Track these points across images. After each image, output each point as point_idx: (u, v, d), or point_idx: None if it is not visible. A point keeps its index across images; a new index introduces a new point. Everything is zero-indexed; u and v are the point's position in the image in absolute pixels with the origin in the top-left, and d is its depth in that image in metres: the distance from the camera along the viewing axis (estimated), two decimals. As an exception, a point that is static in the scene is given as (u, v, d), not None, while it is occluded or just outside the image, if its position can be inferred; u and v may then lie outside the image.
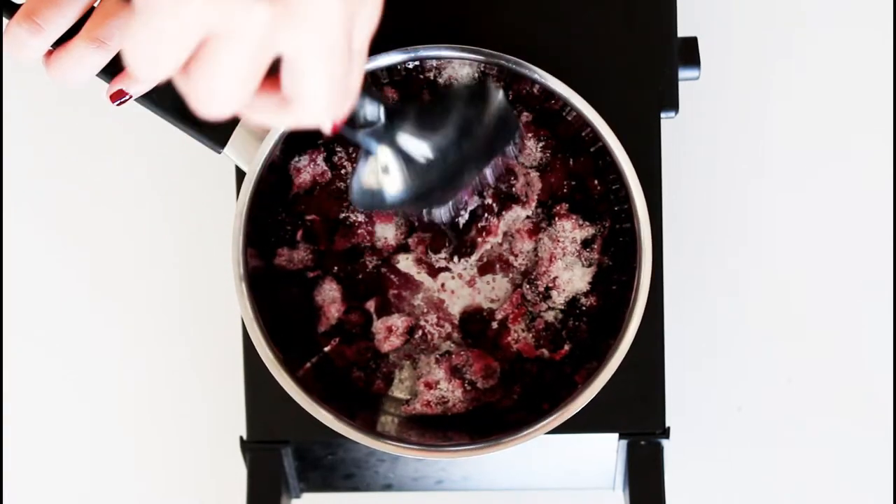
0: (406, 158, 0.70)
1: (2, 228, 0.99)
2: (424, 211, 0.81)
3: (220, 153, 0.78)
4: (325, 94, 0.55)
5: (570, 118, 0.80)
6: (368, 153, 0.69)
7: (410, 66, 0.81)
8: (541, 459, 0.89)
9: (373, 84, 0.66)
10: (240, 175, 0.80)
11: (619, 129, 0.78)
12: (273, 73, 0.54)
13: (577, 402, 0.78)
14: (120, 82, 0.73)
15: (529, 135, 0.82)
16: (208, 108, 0.53)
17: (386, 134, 0.68)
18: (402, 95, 0.82)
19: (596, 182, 0.82)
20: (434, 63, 0.81)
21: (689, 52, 0.84)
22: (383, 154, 0.69)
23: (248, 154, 0.78)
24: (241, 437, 0.85)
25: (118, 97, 0.72)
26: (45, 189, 1.00)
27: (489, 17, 0.83)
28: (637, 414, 0.83)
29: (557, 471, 0.89)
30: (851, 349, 0.98)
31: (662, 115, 0.83)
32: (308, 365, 0.81)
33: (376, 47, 0.78)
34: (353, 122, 0.67)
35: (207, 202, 0.98)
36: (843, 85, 0.99)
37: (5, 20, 0.69)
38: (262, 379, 0.81)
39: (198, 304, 0.98)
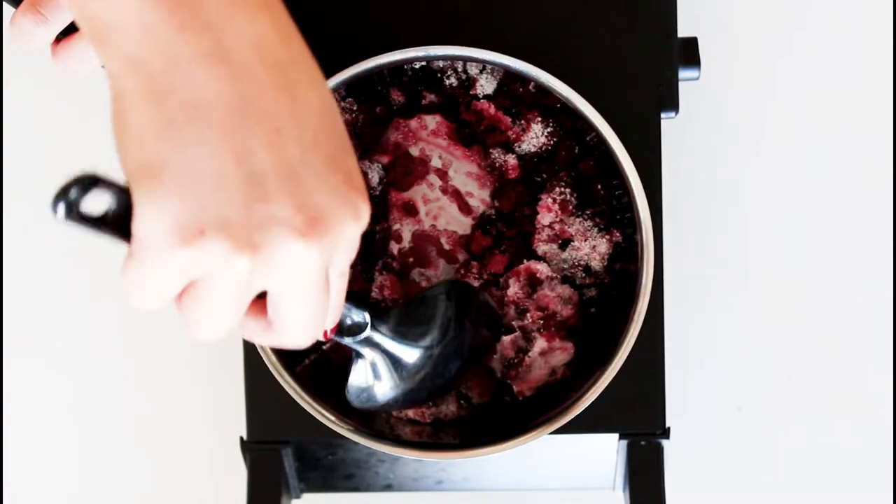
0: (394, 360, 0.75)
1: (1, 227, 0.99)
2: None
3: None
4: (304, 325, 0.59)
5: (570, 116, 0.80)
6: (359, 355, 0.74)
7: (417, 66, 0.81)
8: (541, 460, 0.89)
9: (353, 296, 0.71)
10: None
11: (619, 129, 0.78)
12: (261, 297, 0.58)
13: (578, 403, 0.78)
14: None
15: (536, 120, 0.82)
16: (199, 335, 0.58)
17: (372, 336, 0.73)
18: (407, 98, 0.82)
19: (599, 186, 0.82)
20: (440, 64, 0.81)
21: (689, 52, 0.84)
22: (371, 356, 0.75)
23: None
24: (241, 437, 0.85)
25: None
26: (44, 188, 1.00)
27: (489, 17, 0.83)
28: (637, 414, 0.83)
29: (557, 471, 0.89)
30: (851, 349, 0.98)
31: (662, 115, 0.83)
32: (306, 362, 0.81)
33: (380, 47, 0.78)
34: (340, 329, 0.72)
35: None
36: (844, 85, 0.99)
37: (11, 10, 0.70)
38: (262, 379, 0.81)
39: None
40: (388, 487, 0.89)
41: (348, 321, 0.72)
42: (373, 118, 0.82)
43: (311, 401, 0.79)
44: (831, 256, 0.98)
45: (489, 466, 0.89)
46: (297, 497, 0.89)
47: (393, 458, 0.87)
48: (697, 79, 0.85)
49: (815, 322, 0.98)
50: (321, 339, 0.65)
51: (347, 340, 0.73)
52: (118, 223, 0.56)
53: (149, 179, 0.54)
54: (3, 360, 0.99)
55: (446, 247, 0.82)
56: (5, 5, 0.75)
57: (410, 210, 0.83)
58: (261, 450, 0.84)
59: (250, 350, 0.82)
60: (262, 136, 0.54)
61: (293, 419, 0.82)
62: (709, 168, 0.99)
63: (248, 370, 0.83)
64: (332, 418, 0.79)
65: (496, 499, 0.94)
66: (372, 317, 0.73)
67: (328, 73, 0.77)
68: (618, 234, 0.81)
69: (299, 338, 0.60)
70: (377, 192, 0.82)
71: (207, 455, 0.98)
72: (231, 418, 0.95)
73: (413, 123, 0.82)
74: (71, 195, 0.55)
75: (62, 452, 0.99)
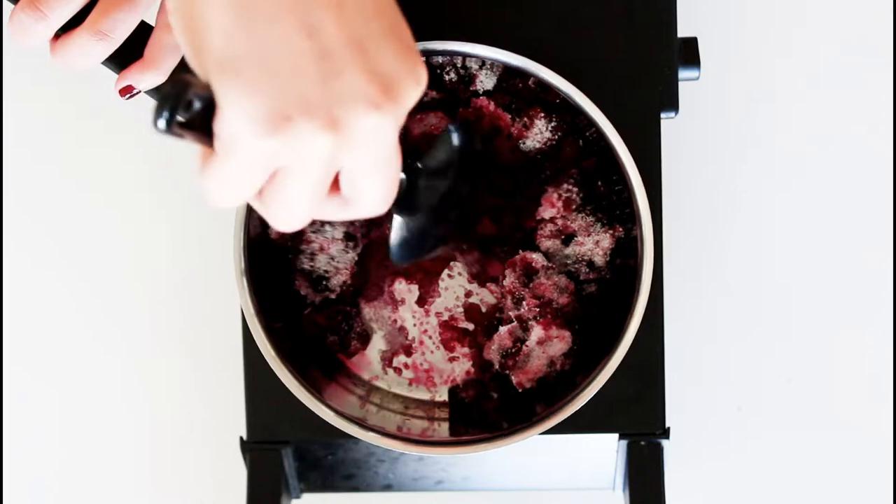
0: (426, 195, 0.73)
1: (1, 227, 0.99)
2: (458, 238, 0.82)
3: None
4: (382, 195, 0.61)
5: (570, 112, 0.81)
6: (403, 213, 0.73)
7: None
8: (541, 459, 0.89)
9: None
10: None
11: (620, 129, 0.78)
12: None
13: (577, 402, 0.78)
14: (128, 77, 0.73)
15: (539, 116, 0.82)
16: (283, 226, 0.60)
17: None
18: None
19: (600, 183, 0.82)
20: (440, 59, 0.81)
21: (689, 52, 0.84)
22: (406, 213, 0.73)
23: None
24: (241, 437, 0.85)
25: (127, 91, 0.74)
26: (44, 187, 1.00)
27: (488, 17, 0.83)
28: (637, 414, 0.83)
29: (557, 471, 0.89)
30: (851, 349, 0.97)
31: (662, 115, 0.83)
32: (279, 325, 0.81)
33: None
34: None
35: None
36: (844, 85, 0.99)
37: (10, 6, 0.70)
38: (262, 379, 0.81)
39: (198, 304, 0.98)
40: (387, 487, 0.89)
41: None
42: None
43: (311, 400, 0.79)
44: (831, 256, 0.98)
45: (489, 466, 0.89)
46: (297, 497, 0.89)
47: (393, 458, 0.87)
48: (697, 79, 0.85)
49: (815, 322, 0.98)
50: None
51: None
52: (203, 124, 0.57)
53: (230, 73, 0.56)
54: (2, 360, 0.99)
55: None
56: (5, 3, 0.75)
57: None
58: (261, 450, 0.84)
59: (250, 350, 0.82)
60: (329, 9, 0.56)
61: (293, 419, 0.82)
62: (709, 168, 0.99)
63: (248, 370, 0.83)
64: (333, 415, 0.79)
65: (496, 499, 0.94)
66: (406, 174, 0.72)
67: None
68: (620, 230, 0.81)
69: (377, 206, 0.61)
70: None
71: (207, 455, 0.98)
72: (231, 418, 0.95)
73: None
74: (171, 106, 0.56)
75: (62, 452, 0.99)
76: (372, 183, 0.60)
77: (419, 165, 0.71)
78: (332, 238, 0.82)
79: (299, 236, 0.82)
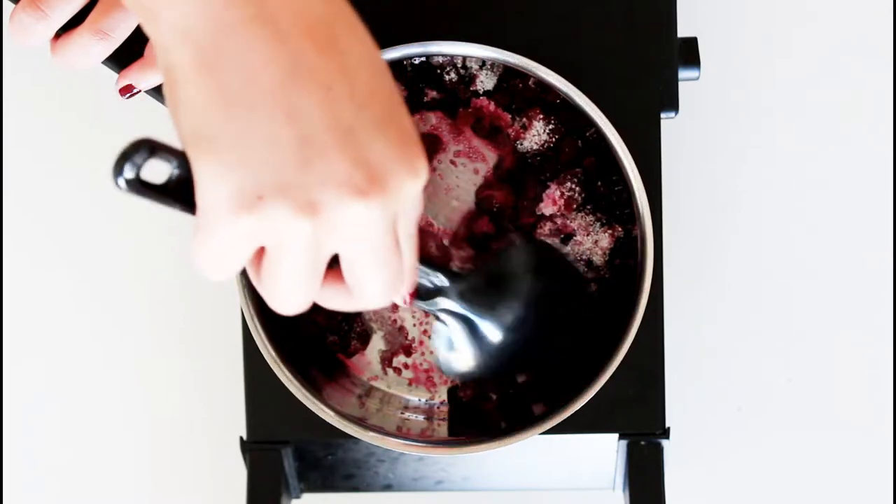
0: (473, 329, 0.75)
1: (1, 227, 0.99)
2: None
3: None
4: (381, 285, 0.59)
5: (570, 111, 0.81)
6: (438, 320, 0.74)
7: (417, 62, 0.81)
8: (541, 460, 0.89)
9: (425, 260, 0.71)
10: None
11: (619, 129, 0.78)
12: (337, 264, 0.59)
13: (577, 402, 0.78)
14: (128, 76, 0.73)
15: (538, 117, 0.82)
16: (281, 308, 0.59)
17: (451, 303, 0.73)
18: (409, 94, 0.82)
19: (600, 183, 0.82)
20: (440, 59, 0.81)
21: (689, 52, 0.84)
22: (451, 324, 0.74)
23: None
24: (241, 437, 0.85)
25: (127, 91, 0.74)
26: (44, 187, 1.00)
27: (487, 16, 0.83)
28: (637, 414, 0.83)
29: (557, 471, 0.89)
30: (851, 349, 0.97)
31: (662, 115, 0.83)
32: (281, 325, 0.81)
33: (383, 43, 0.78)
34: (419, 294, 0.71)
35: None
36: (844, 85, 0.99)
37: (10, 5, 0.70)
38: (262, 379, 0.81)
39: (198, 304, 0.98)
40: (387, 487, 0.89)
41: (427, 283, 0.71)
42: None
43: (311, 400, 0.79)
44: (831, 256, 0.98)
45: (489, 466, 0.89)
46: (297, 497, 0.89)
47: (393, 457, 0.87)
48: (697, 79, 0.85)
49: (815, 322, 0.98)
50: (402, 304, 0.65)
51: (423, 305, 0.72)
52: (182, 192, 0.56)
53: (205, 148, 0.54)
54: (2, 360, 0.99)
55: (444, 242, 0.82)
56: (5, 2, 0.75)
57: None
58: (261, 450, 0.84)
59: (250, 350, 0.82)
60: (314, 94, 0.54)
61: (293, 419, 0.82)
62: (709, 168, 0.99)
63: (248, 370, 0.83)
64: (333, 414, 0.79)
65: (496, 499, 0.94)
66: (449, 281, 0.72)
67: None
68: (619, 229, 0.81)
69: (378, 299, 0.60)
70: None
71: (207, 455, 0.98)
72: (231, 418, 0.95)
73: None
74: (132, 162, 0.55)
75: (62, 452, 0.99)
76: (369, 274, 0.58)
77: (456, 271, 0.72)
78: None
79: None
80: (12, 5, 0.70)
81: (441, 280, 0.72)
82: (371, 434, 0.79)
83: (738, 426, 0.97)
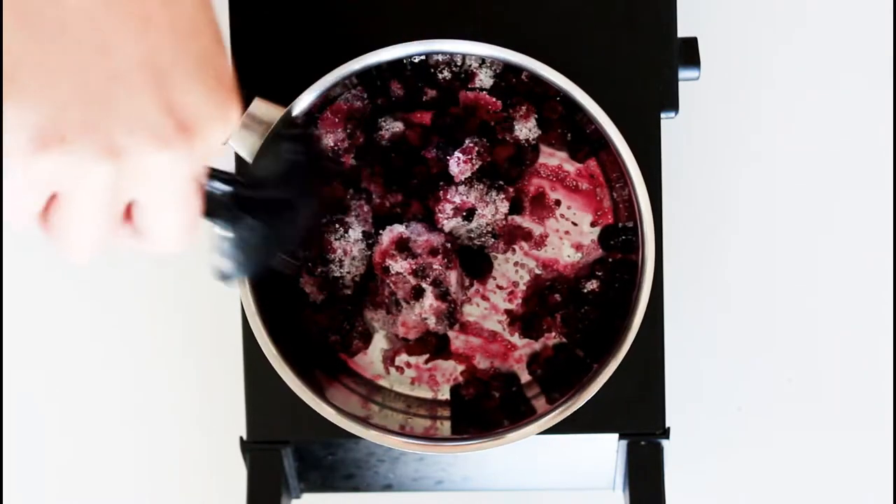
0: (262, 214, 0.71)
1: (1, 227, 0.99)
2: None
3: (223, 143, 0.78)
4: (176, 231, 0.57)
5: (565, 107, 0.81)
6: (228, 227, 0.70)
7: (416, 60, 0.81)
8: (541, 459, 0.89)
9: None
10: (240, 164, 0.79)
11: (619, 129, 0.78)
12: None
13: (577, 402, 0.78)
14: None
15: (529, 115, 0.81)
16: (68, 254, 0.56)
17: (236, 203, 0.69)
18: (406, 92, 0.82)
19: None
20: (439, 58, 0.81)
21: (689, 52, 0.84)
22: (237, 224, 0.70)
23: (252, 143, 0.76)
24: (241, 437, 0.85)
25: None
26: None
27: (486, 16, 0.83)
28: (637, 414, 0.83)
29: (557, 471, 0.89)
30: (851, 349, 0.98)
31: (662, 115, 0.83)
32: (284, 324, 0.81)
33: (379, 41, 0.78)
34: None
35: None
36: (844, 85, 0.99)
37: None
38: (262, 378, 0.81)
39: (198, 304, 0.98)
40: (388, 487, 0.89)
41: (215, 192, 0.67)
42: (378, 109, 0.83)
43: (311, 400, 0.79)
44: (831, 256, 0.98)
45: (489, 466, 0.89)
46: (297, 497, 0.89)
47: (393, 457, 0.87)
48: (697, 79, 0.85)
49: (815, 322, 0.98)
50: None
51: (216, 221, 0.68)
52: None
53: (13, 83, 0.50)
54: (2, 360, 0.99)
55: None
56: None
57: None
58: (261, 450, 0.84)
59: (250, 350, 0.82)
60: (130, 24, 0.50)
61: (293, 419, 0.82)
62: (709, 168, 0.99)
63: (248, 370, 0.83)
64: (334, 412, 0.79)
65: (496, 499, 0.94)
66: (232, 188, 0.68)
67: (329, 67, 0.77)
68: (511, 191, 0.81)
69: (173, 243, 0.57)
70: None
71: (207, 455, 0.98)
72: (231, 418, 0.95)
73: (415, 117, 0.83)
74: None
75: (62, 452, 0.99)
76: (164, 221, 0.56)
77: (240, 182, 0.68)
78: (354, 240, 0.82)
79: (322, 246, 0.81)
80: None
81: (224, 187, 0.68)
82: (373, 432, 0.79)
83: (738, 426, 0.97)
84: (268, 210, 0.71)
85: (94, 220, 0.54)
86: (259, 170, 0.73)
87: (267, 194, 0.71)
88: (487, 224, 0.81)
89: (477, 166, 0.80)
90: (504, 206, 0.81)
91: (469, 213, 0.80)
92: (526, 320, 0.83)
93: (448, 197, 0.80)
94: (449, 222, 0.81)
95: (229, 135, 0.54)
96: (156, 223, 0.56)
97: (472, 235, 0.82)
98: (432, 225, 0.81)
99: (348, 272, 0.82)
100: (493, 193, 0.80)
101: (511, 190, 0.81)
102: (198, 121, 0.53)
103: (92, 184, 0.52)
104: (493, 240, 0.82)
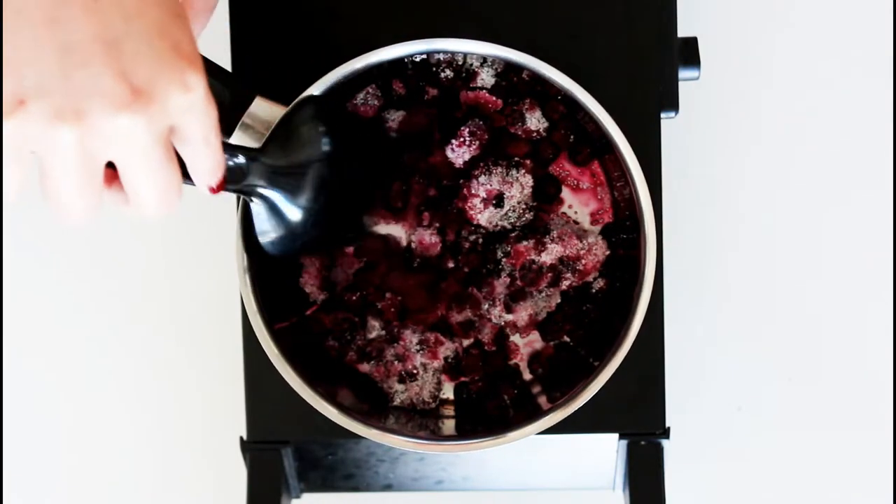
0: (287, 196, 0.74)
1: (1, 227, 0.99)
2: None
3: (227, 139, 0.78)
4: (154, 194, 0.60)
5: (566, 107, 0.81)
6: (255, 201, 0.73)
7: (417, 59, 0.81)
8: (541, 459, 0.89)
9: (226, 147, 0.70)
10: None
11: (620, 129, 0.78)
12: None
13: (577, 402, 0.78)
14: None
15: (533, 110, 0.82)
16: (63, 218, 0.59)
17: (263, 176, 0.72)
18: (408, 90, 0.82)
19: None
20: (440, 57, 0.81)
21: (689, 52, 0.84)
22: (264, 199, 0.74)
23: (255, 142, 0.77)
24: (241, 437, 0.85)
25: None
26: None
27: (488, 15, 0.83)
28: (637, 414, 0.83)
29: (557, 471, 0.89)
30: (851, 349, 0.98)
31: (662, 115, 0.83)
32: (286, 324, 0.81)
33: (380, 40, 0.78)
34: (231, 179, 0.70)
35: (207, 196, 0.98)
36: (844, 85, 0.99)
37: None
38: (262, 378, 0.81)
39: (198, 304, 0.98)
40: (387, 487, 0.89)
41: (231, 164, 0.71)
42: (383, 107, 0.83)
43: (311, 399, 0.79)
44: (831, 255, 0.98)
45: (489, 466, 0.89)
46: (297, 497, 0.89)
47: (393, 457, 0.87)
48: (697, 79, 0.85)
49: (815, 322, 0.98)
50: (209, 193, 0.65)
51: (232, 188, 0.72)
52: None
53: None
54: (3, 359, 0.99)
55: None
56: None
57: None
58: (261, 450, 0.84)
59: (251, 349, 0.82)
60: (77, 2, 0.55)
61: (293, 419, 0.82)
62: (709, 168, 0.99)
63: (248, 370, 0.83)
64: (336, 412, 0.79)
65: (496, 499, 0.94)
66: (249, 159, 0.71)
67: (330, 67, 0.77)
68: (539, 171, 0.82)
69: (153, 207, 0.61)
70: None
71: (207, 455, 0.98)
72: (231, 418, 0.95)
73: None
74: None
75: (62, 452, 0.99)
76: (142, 182, 0.59)
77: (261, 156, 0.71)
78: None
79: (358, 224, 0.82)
80: None
81: (241, 159, 0.71)
82: (373, 432, 0.79)
83: (738, 426, 0.97)
84: (296, 182, 0.73)
85: (74, 181, 0.58)
86: (281, 142, 0.74)
87: (294, 163, 0.74)
88: (519, 203, 0.81)
89: (475, 145, 0.80)
90: (528, 180, 0.81)
91: (498, 199, 0.81)
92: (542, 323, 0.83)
93: (473, 191, 0.80)
94: (483, 215, 0.81)
95: (194, 99, 0.58)
96: (135, 184, 0.59)
97: (511, 219, 0.82)
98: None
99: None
100: (514, 172, 0.81)
101: (529, 163, 0.81)
102: (153, 85, 0.56)
103: (61, 146, 0.56)
104: (531, 217, 0.82)
